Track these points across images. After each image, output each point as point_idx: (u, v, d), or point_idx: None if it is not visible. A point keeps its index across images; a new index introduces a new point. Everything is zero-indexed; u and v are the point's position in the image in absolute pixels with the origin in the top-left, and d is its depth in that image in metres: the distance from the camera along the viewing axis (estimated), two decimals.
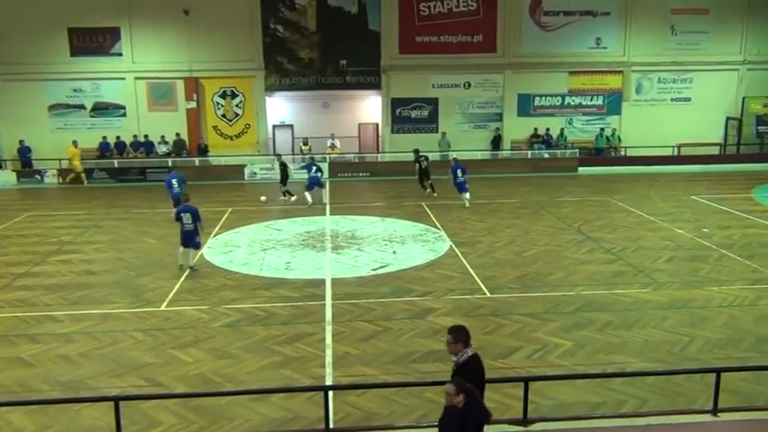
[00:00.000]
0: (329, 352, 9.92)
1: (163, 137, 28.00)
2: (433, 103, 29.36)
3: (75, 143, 26.26)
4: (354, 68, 28.84)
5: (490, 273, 13.72)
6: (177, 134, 28.11)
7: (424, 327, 10.83)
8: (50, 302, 12.28)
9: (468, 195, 20.54)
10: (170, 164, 26.09)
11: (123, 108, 28.34)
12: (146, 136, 28.10)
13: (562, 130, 29.43)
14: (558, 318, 11.16)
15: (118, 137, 27.92)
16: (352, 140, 29.79)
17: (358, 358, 9.73)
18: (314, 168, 21.15)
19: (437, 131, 29.09)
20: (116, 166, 26.83)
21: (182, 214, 14.11)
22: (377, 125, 30.15)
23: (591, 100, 29.77)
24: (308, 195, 20.85)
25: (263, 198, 21.52)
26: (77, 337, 10.63)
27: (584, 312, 11.39)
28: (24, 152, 27.37)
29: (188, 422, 7.95)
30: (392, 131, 29.31)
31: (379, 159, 28.63)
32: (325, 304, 12.00)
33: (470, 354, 6.21)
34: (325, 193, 21.74)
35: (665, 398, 8.32)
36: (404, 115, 29.36)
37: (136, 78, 28.01)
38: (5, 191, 25.47)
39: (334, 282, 13.31)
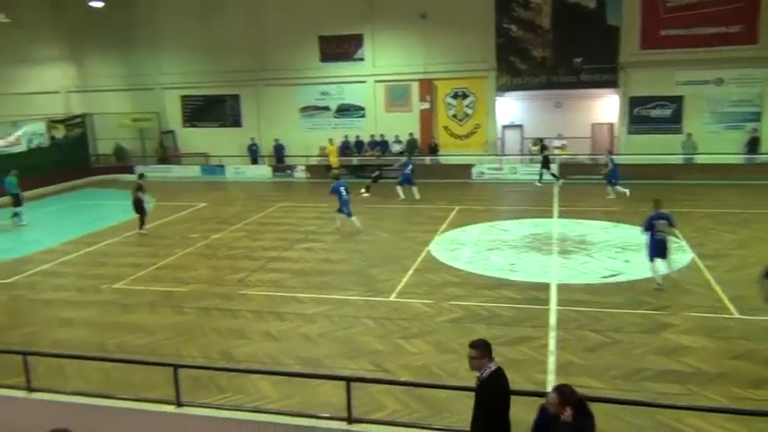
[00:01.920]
0: (552, 359, 9.66)
1: (397, 136, 29.47)
2: (677, 101, 26.93)
3: (331, 141, 28.71)
4: (589, 66, 27.58)
5: (740, 291, 12.22)
6: (410, 134, 29.36)
7: (659, 343, 10.04)
8: (296, 285, 13.63)
9: (620, 187, 21.56)
10: (403, 162, 27.38)
11: (363, 109, 30.41)
12: (381, 135, 29.84)
13: None
14: None
15: (357, 136, 30.08)
16: (585, 141, 28.57)
17: (583, 368, 9.33)
18: (409, 167, 22.88)
19: (680, 132, 26.65)
20: (354, 163, 28.95)
21: (654, 222, 13.07)
22: (611, 125, 28.55)
23: None
24: (399, 190, 22.71)
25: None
26: (317, 318, 11.67)
27: None
28: (279, 149, 30.79)
29: (411, 410, 8.29)
30: (629, 132, 27.51)
31: None
32: (549, 309, 11.70)
33: (494, 368, 5.96)
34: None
35: None
36: (642, 114, 27.38)
37: (375, 81, 29.86)
38: (263, 183, 28.95)
39: (560, 287, 12.91)
